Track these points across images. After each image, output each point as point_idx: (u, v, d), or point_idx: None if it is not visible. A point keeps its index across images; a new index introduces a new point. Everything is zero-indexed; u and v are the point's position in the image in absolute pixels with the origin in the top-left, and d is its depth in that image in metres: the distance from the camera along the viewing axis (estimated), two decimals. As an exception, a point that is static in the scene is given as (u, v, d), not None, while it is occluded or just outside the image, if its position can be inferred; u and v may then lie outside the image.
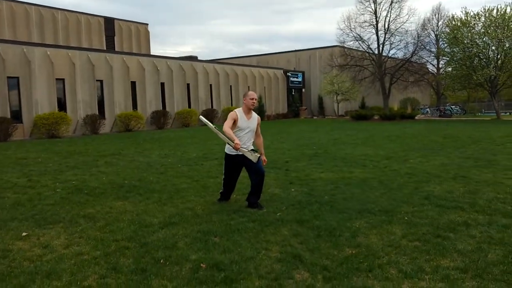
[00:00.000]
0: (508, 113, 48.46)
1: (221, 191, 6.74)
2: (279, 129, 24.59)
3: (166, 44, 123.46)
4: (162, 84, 29.81)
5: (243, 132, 6.15)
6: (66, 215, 5.92)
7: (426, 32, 42.64)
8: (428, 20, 46.02)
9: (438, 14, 45.82)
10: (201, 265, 3.98)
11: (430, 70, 46.01)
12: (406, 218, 5.45)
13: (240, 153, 6.03)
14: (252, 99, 6.20)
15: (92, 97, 25.39)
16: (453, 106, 43.91)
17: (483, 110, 49.23)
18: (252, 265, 3.98)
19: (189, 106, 31.54)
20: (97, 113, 25.05)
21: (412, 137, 17.16)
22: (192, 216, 5.76)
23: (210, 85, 33.79)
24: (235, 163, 6.33)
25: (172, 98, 30.20)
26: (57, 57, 23.76)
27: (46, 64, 23.17)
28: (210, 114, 31.80)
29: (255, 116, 6.32)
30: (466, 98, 56.05)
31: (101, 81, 26.20)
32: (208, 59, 51.66)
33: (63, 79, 24.12)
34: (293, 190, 7.44)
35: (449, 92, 46.89)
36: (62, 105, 24.03)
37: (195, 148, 14.75)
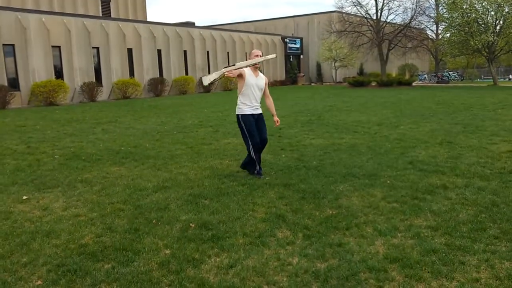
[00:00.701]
0: (507, 79, 48.39)
1: (247, 161, 6.28)
2: (275, 96, 24.64)
3: (163, 10, 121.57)
4: (159, 51, 29.70)
5: (251, 88, 6.03)
6: (64, 180, 6.18)
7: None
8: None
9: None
10: (191, 224, 4.26)
11: (429, 36, 45.69)
12: (388, 181, 5.71)
13: (257, 112, 6.11)
14: (257, 56, 6.04)
15: (89, 64, 25.37)
16: (451, 72, 43.85)
17: (482, 76, 49.13)
18: (238, 224, 4.26)
19: (186, 73, 31.51)
20: (94, 81, 25.09)
21: (406, 104, 17.34)
22: (184, 181, 6.03)
23: (207, 51, 33.65)
24: (253, 121, 6.13)
25: (169, 65, 30.15)
26: (53, 24, 23.62)
27: (42, 31, 23.06)
28: (207, 81, 31.76)
29: (262, 76, 6.23)
30: (466, 64, 55.73)
31: (98, 48, 26.12)
32: (205, 25, 51.21)
33: (59, 47, 24.05)
34: (283, 156, 7.69)
35: (448, 58, 46.71)
36: (59, 73, 24.06)
37: (191, 115, 14.95)
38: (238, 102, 6.17)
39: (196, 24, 42.64)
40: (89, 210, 4.83)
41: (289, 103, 19.39)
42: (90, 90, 24.29)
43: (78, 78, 24.69)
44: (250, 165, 6.25)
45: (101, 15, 39.55)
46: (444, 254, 3.49)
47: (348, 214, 4.48)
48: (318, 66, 44.25)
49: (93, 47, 25.66)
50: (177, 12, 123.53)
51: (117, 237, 4.01)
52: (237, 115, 6.16)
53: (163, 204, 4.94)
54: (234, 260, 3.50)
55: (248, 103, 6.08)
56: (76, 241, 3.94)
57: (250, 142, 6.14)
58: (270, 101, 6.44)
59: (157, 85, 28.09)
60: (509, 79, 48.56)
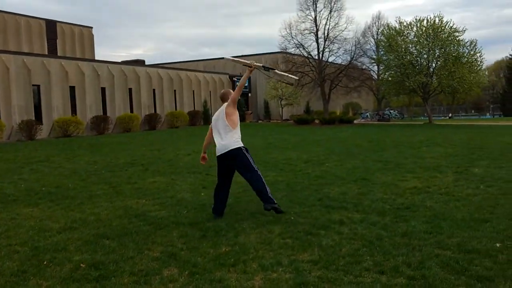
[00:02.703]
0: (447, 117, 51.14)
1: (264, 192, 5.99)
2: (219, 134, 24.99)
3: (119, 47, 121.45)
4: (103, 89, 29.55)
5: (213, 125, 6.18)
6: (-32, 223, 6.06)
7: (366, 39, 44.47)
8: (369, 27, 48.02)
9: (378, 22, 47.92)
10: (81, 265, 4.31)
11: (372, 76, 47.92)
12: (292, 218, 5.97)
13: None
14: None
15: (28, 102, 24.87)
16: (391, 111, 45.90)
17: (425, 114, 51.73)
18: (129, 264, 4.35)
19: (131, 111, 31.40)
20: (34, 119, 24.56)
21: (340, 141, 18.03)
22: (93, 221, 6.05)
23: (154, 89, 33.77)
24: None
25: (113, 103, 29.99)
26: (-10, 61, 23.14)
27: (-22, 69, 22.54)
28: (153, 119, 31.80)
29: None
30: (408, 103, 58.56)
31: (38, 86, 25.71)
32: (160, 62, 51.60)
33: (-4, 84, 23.51)
34: (202, 194, 7.86)
35: (391, 97, 48.95)
36: (-5, 111, 23.42)
37: (126, 154, 14.90)
38: (235, 136, 6.00)
39: (146, 63, 42.98)
40: (-17, 253, 4.77)
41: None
42: (29, 128, 23.72)
43: (16, 116, 24.11)
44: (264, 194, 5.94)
45: (47, 53, 39.14)
46: (312, 287, 3.72)
47: (240, 251, 4.67)
48: (266, 104, 45.23)
49: (33, 85, 25.25)
50: (129, 51, 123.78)
51: (1, 280, 4.00)
52: (240, 148, 5.98)
53: (62, 245, 4.96)
54: (111, 299, 3.58)
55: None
56: (-43, 285, 3.90)
57: (257, 169, 6.13)
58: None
59: (100, 123, 27.80)
60: (449, 117, 51.44)
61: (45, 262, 4.41)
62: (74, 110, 27.42)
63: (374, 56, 43.81)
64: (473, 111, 65.00)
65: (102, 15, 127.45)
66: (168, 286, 3.83)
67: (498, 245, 4.64)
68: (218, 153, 6.04)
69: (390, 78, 35.27)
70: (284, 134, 22.99)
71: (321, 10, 35.40)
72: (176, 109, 35.43)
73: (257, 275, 4.04)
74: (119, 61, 41.72)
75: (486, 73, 71.05)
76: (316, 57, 36.04)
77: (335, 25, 35.00)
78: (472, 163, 10.84)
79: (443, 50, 32.07)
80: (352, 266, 4.19)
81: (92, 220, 6.09)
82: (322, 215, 6.08)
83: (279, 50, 39.04)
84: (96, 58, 44.09)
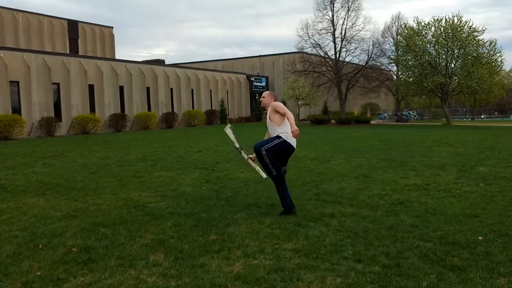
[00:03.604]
0: (469, 119, 50.40)
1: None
2: (236, 131, 25.21)
3: (141, 46, 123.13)
4: (121, 87, 30.09)
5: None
6: (-24, 210, 6.36)
7: (386, 39, 44.21)
8: (388, 27, 47.67)
9: (398, 22, 47.52)
10: (73, 249, 4.53)
11: (391, 76, 47.56)
12: (285, 211, 6.10)
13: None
14: (260, 100, 6.37)
15: (48, 99, 25.51)
16: (410, 112, 45.48)
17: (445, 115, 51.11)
18: (119, 249, 4.55)
19: (149, 109, 31.89)
20: (53, 116, 25.18)
21: (352, 141, 18.04)
22: (94, 211, 6.29)
23: (171, 88, 34.20)
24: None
25: (131, 101, 30.50)
26: (12, 59, 23.83)
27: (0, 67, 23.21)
28: (170, 117, 32.22)
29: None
30: (429, 103, 57.87)
31: (58, 84, 26.33)
32: (181, 62, 52.25)
33: (17, 82, 24.18)
34: (204, 188, 8.03)
35: (410, 98, 48.50)
36: (17, 107, 24.09)
37: (138, 150, 15.21)
38: (278, 130, 5.97)
39: (168, 62, 43.57)
40: (-15, 237, 5.03)
41: (243, 138, 19.81)
42: (48, 125, 24.35)
43: (36, 113, 24.76)
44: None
45: (68, 52, 40.00)
46: (288, 272, 3.86)
47: (227, 240, 4.83)
48: (284, 104, 45.07)
49: (53, 83, 25.88)
50: (151, 51, 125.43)
51: (-3, 260, 4.24)
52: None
53: (59, 231, 5.20)
54: (96, 279, 3.78)
55: None
56: (-44, 265, 4.15)
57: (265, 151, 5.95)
58: (288, 116, 5.91)
59: (118, 121, 28.32)
60: (482, 119, 50.72)
61: (40, 246, 4.65)
62: (92, 108, 28.00)
63: (393, 57, 43.53)
64: (496, 113, 63.93)
65: (125, 16, 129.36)
66: (151, 270, 4.01)
67: (480, 238, 4.69)
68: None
69: (408, 79, 34.99)
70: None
71: (338, 10, 35.38)
72: (193, 108, 35.82)
73: (239, 261, 4.19)
74: (140, 60, 42.46)
75: (511, 74, 69.92)
76: (333, 57, 35.97)
77: (352, 25, 34.91)
78: (479, 162, 10.78)
79: (462, 50, 31.70)
80: (332, 255, 4.31)
81: (92, 210, 6.33)
82: (315, 208, 6.19)
83: (296, 50, 39.07)
84: (118, 57, 44.94)
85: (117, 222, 5.60)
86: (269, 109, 6.05)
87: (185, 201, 6.88)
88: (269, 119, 5.99)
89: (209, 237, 4.92)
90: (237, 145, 6.54)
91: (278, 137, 5.93)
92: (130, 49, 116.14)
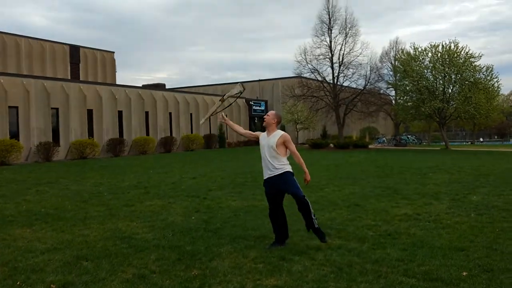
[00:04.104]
0: (469, 143, 50.41)
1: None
2: (231, 157, 25.26)
3: (144, 70, 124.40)
4: (120, 112, 30.24)
5: (262, 150, 6.05)
6: (-39, 242, 6.31)
7: (384, 64, 44.62)
8: (386, 52, 48.16)
9: (396, 46, 48.01)
10: (52, 286, 4.47)
11: (390, 100, 47.81)
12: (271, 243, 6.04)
13: (271, 175, 5.90)
14: (264, 116, 6.19)
15: (47, 124, 25.62)
16: (409, 136, 45.56)
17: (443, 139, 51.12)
18: (98, 285, 4.50)
19: (147, 134, 31.98)
20: (51, 141, 25.24)
21: (347, 166, 18.01)
22: (80, 242, 6.23)
23: (170, 113, 34.37)
24: (268, 186, 6.03)
25: (129, 126, 30.62)
26: (11, 85, 24.03)
27: (-1, 92, 23.40)
28: (168, 141, 32.28)
29: (277, 133, 5.98)
30: (427, 127, 57.99)
31: (57, 109, 26.48)
32: (183, 86, 52.73)
33: (16, 107, 24.32)
34: (193, 218, 7.98)
35: (408, 122, 48.66)
36: (15, 132, 24.17)
37: (134, 176, 15.19)
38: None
39: (170, 86, 43.89)
40: (-35, 272, 4.98)
41: (239, 163, 19.86)
42: (46, 150, 24.38)
43: (34, 138, 24.82)
44: (308, 227, 5.98)
45: (69, 76, 40.39)
46: (265, 312, 3.79)
47: (209, 275, 4.77)
48: (282, 128, 45.31)
49: (52, 108, 26.03)
50: (154, 74, 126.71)
51: (-27, 298, 4.19)
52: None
53: (41, 266, 5.14)
54: (70, 319, 3.72)
55: (262, 165, 6.07)
56: None
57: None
58: (296, 159, 6.02)
59: (116, 145, 28.37)
60: (481, 142, 50.73)
61: (18, 283, 4.59)
62: (91, 133, 28.09)
63: (391, 81, 43.83)
64: (496, 137, 64.03)
65: (130, 40, 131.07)
66: (128, 308, 3.95)
67: (464, 273, 4.63)
68: None
69: (406, 103, 35.17)
70: (292, 159, 22.99)
71: (336, 36, 35.79)
72: (192, 132, 35.92)
73: (217, 298, 4.13)
74: (142, 84, 42.87)
75: (511, 98, 70.24)
76: (331, 82, 36.23)
77: (350, 50, 35.28)
78: (473, 190, 10.73)
79: (459, 75, 31.92)
80: (313, 292, 4.25)
81: (78, 242, 6.28)
82: (302, 241, 6.14)
83: (294, 75, 39.39)
84: (120, 81, 45.43)
85: (101, 255, 5.55)
86: (278, 138, 5.91)
87: (172, 232, 6.83)
88: (275, 147, 5.87)
89: (191, 272, 4.86)
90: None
91: (291, 173, 5.93)
92: (134, 72, 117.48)
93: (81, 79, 40.15)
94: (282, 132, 6.00)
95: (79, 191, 11.67)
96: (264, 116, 6.14)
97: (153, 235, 6.64)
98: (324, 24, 35.88)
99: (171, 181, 13.59)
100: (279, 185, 5.92)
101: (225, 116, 6.47)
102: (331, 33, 35.74)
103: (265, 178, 6.05)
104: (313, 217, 5.86)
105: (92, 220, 7.88)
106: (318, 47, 36.07)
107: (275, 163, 5.88)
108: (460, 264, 4.98)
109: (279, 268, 4.97)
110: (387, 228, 6.88)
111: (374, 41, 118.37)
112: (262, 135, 6.14)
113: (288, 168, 5.95)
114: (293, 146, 6.01)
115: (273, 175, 5.92)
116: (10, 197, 10.82)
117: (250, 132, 6.54)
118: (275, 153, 5.87)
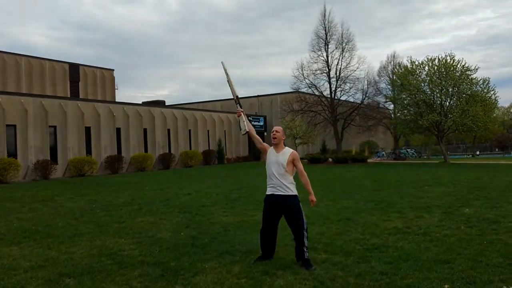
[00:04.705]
0: (470, 156, 50.31)
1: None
2: (228, 173, 25.23)
3: (145, 87, 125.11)
4: (118, 129, 30.33)
5: (269, 166, 5.88)
6: None
7: (382, 78, 44.82)
8: (384, 66, 48.42)
9: (394, 60, 48.28)
10: (30, 303, 4.45)
11: (389, 114, 47.92)
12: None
13: (277, 193, 5.81)
14: (273, 132, 5.97)
15: (45, 142, 25.69)
16: (408, 150, 45.53)
17: (448, 153, 51.07)
18: (77, 302, 4.47)
19: (146, 151, 32.02)
20: (49, 159, 25.28)
21: (344, 181, 17.97)
22: (65, 260, 6.21)
23: (168, 129, 34.45)
24: (270, 203, 5.90)
25: (128, 143, 30.67)
26: (9, 104, 24.17)
27: (-3, 111, 23.52)
28: (167, 158, 32.30)
29: (287, 151, 5.87)
30: (427, 141, 57.94)
31: (55, 127, 26.58)
32: (184, 102, 53.00)
33: (14, 125, 24.42)
34: (182, 234, 7.95)
35: (407, 136, 48.65)
36: (13, 151, 24.23)
37: (128, 193, 15.16)
38: None
39: (172, 103, 44.02)
40: None
41: (236, 179, 19.83)
42: (44, 168, 24.41)
43: (32, 156, 24.87)
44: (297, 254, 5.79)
45: (69, 95, 40.64)
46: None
47: (190, 291, 4.74)
48: (282, 143, 45.42)
49: (50, 126, 26.13)
50: (155, 91, 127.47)
51: (-50, 316, 4.16)
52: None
53: (22, 284, 5.12)
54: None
55: (268, 181, 5.92)
56: None
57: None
58: (303, 179, 5.91)
59: (114, 163, 28.39)
60: (472, 156, 50.63)
61: (-3, 300, 4.57)
62: (89, 150, 28.13)
63: (390, 95, 43.96)
64: (497, 149, 63.91)
65: (131, 58, 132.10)
66: (104, 325, 3.92)
67: (446, 286, 4.60)
68: None
69: (404, 117, 35.22)
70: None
71: (332, 51, 36.07)
72: (190, 148, 35.97)
73: (195, 314, 4.10)
74: (142, 101, 43.09)
75: (511, 110, 70.24)
76: (329, 96, 36.37)
77: (346, 65, 35.51)
78: (467, 203, 10.69)
79: (456, 88, 32.01)
80: (292, 306, 4.21)
81: (63, 259, 6.25)
82: (287, 255, 6.10)
83: (291, 90, 39.58)
84: (122, 99, 45.77)
85: (84, 272, 5.52)
86: (288, 155, 5.79)
87: (159, 248, 6.80)
88: (285, 164, 5.75)
89: (172, 288, 4.84)
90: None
91: (297, 197, 5.86)
92: (136, 90, 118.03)
93: (80, 97, 40.39)
94: (292, 150, 5.90)
95: (72, 209, 11.65)
96: (274, 133, 5.92)
97: (140, 252, 6.61)
98: (321, 39, 36.21)
99: (165, 198, 13.57)
100: (284, 209, 5.83)
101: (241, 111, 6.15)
102: (327, 48, 36.05)
103: (268, 193, 5.92)
104: (306, 250, 5.70)
105: (81, 237, 7.85)
106: (315, 62, 36.35)
107: (284, 181, 5.77)
108: (444, 276, 4.94)
109: (261, 283, 4.94)
110: (375, 241, 6.85)
111: (373, 56, 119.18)
112: (271, 151, 5.94)
113: (296, 191, 5.86)
114: (301, 165, 5.89)
115: (280, 194, 5.80)
116: (2, 215, 10.80)
117: (260, 140, 6.13)
118: (283, 171, 5.76)
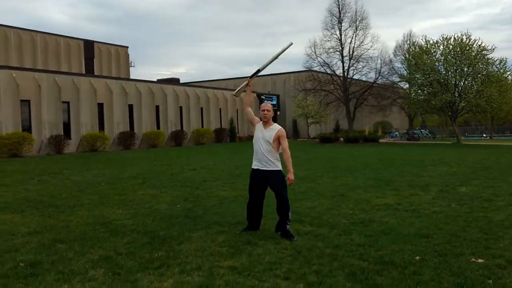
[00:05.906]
0: (488, 137, 49.58)
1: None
2: (238, 150, 25.46)
3: (163, 65, 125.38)
4: (131, 106, 30.68)
5: (256, 141, 6.03)
6: (-50, 226, 6.64)
7: (398, 57, 44.21)
8: (400, 46, 47.70)
9: (410, 40, 47.49)
10: (20, 264, 4.73)
11: (403, 94, 47.37)
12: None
13: (263, 168, 5.93)
14: (263, 110, 6.02)
15: (58, 118, 26.16)
16: (422, 130, 45.09)
17: (466, 134, 50.52)
18: (64, 264, 4.73)
19: (158, 128, 32.37)
20: (62, 134, 25.78)
21: (350, 159, 18.04)
22: (61, 227, 6.50)
23: (180, 107, 34.70)
24: (256, 178, 6.07)
25: (140, 120, 31.03)
26: (23, 79, 24.59)
27: (11, 86, 23.97)
28: (179, 135, 32.64)
29: (274, 127, 5.98)
30: (444, 121, 57.16)
31: (68, 103, 27.02)
32: (200, 80, 53.14)
33: (28, 101, 24.91)
34: (178, 206, 8.20)
35: (421, 116, 48.13)
36: (27, 126, 24.77)
37: (135, 168, 15.49)
38: None
39: (188, 81, 44.16)
40: None
41: (244, 156, 20.02)
42: (57, 143, 24.92)
43: (46, 131, 25.37)
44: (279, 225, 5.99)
45: (84, 72, 41.08)
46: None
47: (171, 257, 4.96)
48: (294, 122, 45.43)
49: (63, 102, 26.56)
50: (172, 69, 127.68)
51: None
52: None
53: (18, 247, 5.41)
54: (27, 293, 3.96)
55: (254, 156, 6.08)
56: None
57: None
58: (285, 156, 5.91)
59: (126, 139, 28.81)
60: (484, 137, 49.94)
61: (-9, 261, 4.86)
62: (102, 126, 28.57)
63: (405, 74, 43.39)
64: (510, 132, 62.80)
65: (148, 35, 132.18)
66: (85, 285, 4.17)
67: (417, 258, 4.74)
68: None
69: (419, 97, 34.84)
70: (299, 152, 23.08)
71: (346, 29, 35.66)
72: (202, 126, 36.22)
73: (172, 277, 4.33)
74: (157, 79, 43.39)
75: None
76: (341, 75, 36.11)
77: (360, 43, 35.11)
78: (466, 182, 10.74)
79: (471, 68, 31.47)
80: (265, 272, 4.41)
81: (60, 227, 6.54)
82: (273, 227, 6.28)
83: (304, 69, 39.33)
84: (139, 76, 46.18)
85: (76, 239, 5.80)
86: (275, 132, 5.92)
87: (152, 219, 7.05)
88: (271, 141, 5.89)
89: (155, 254, 5.07)
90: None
91: (281, 172, 5.98)
92: (154, 67, 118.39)
93: (95, 73, 40.77)
94: (279, 127, 6.03)
95: (79, 181, 12.00)
96: (265, 112, 6.02)
97: (133, 221, 6.87)
98: (334, 17, 35.82)
99: (171, 173, 13.85)
100: (269, 181, 5.97)
101: (251, 82, 6.44)
102: (341, 26, 35.66)
103: (254, 168, 6.08)
104: (288, 222, 5.88)
105: (81, 207, 8.15)
106: (328, 40, 36.02)
107: (270, 157, 5.90)
108: (418, 249, 5.08)
109: (241, 251, 5.14)
110: (362, 216, 7.00)
111: (391, 35, 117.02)
112: (259, 126, 6.08)
113: (280, 166, 6.00)
114: (286, 143, 6.00)
115: (266, 169, 5.93)
116: (12, 185, 11.20)
117: (252, 113, 6.36)
118: (270, 147, 5.90)
